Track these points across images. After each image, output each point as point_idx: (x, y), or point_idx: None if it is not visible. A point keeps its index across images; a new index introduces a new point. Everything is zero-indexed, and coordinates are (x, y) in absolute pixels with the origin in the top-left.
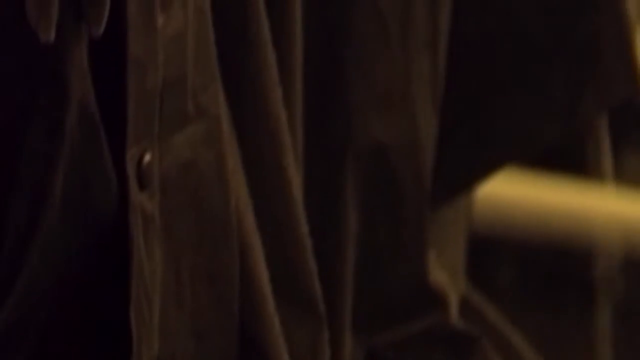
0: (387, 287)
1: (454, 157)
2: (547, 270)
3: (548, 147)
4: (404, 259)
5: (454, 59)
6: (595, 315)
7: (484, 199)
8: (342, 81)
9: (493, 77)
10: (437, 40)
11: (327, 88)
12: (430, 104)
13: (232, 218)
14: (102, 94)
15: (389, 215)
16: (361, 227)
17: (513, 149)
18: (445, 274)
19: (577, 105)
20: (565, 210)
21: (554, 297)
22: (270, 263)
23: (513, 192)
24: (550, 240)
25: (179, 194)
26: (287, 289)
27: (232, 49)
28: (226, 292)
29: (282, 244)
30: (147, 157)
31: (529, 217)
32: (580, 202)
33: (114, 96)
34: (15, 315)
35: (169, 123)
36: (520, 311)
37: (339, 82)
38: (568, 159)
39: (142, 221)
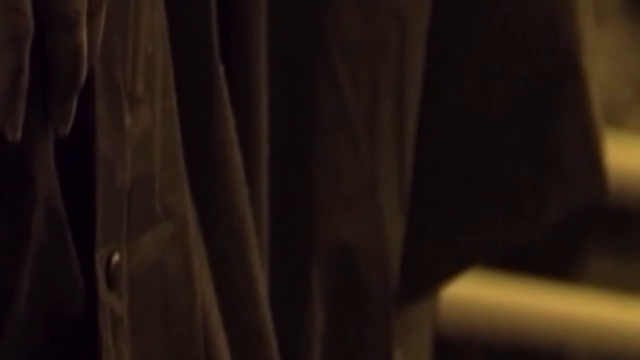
0: None
1: (419, 258)
2: None
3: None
4: (370, 358)
5: (421, 159)
6: None
7: (450, 300)
8: (307, 181)
9: (459, 181)
10: (404, 139)
11: (292, 187)
12: (397, 204)
13: (198, 317)
14: (69, 193)
15: (355, 315)
16: (327, 326)
17: (478, 253)
18: None
19: (543, 209)
20: (532, 312)
21: None
22: None
23: (479, 293)
24: (518, 343)
25: (146, 294)
26: None
27: (199, 149)
28: None
29: (247, 343)
30: (116, 258)
31: (495, 319)
32: (548, 304)
33: (82, 195)
34: None
35: (137, 223)
36: None
37: (304, 182)
38: (536, 260)
39: (111, 322)
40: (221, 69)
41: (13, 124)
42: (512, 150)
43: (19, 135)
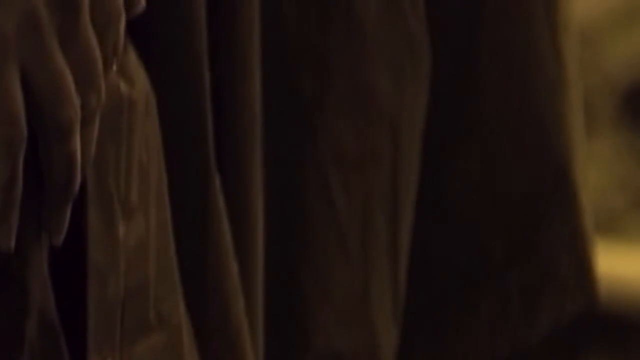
0: None
1: None
2: None
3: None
4: None
5: (414, 266)
6: None
7: None
8: (301, 291)
9: (449, 288)
10: (398, 249)
11: (285, 298)
12: (390, 314)
13: None
14: (63, 301)
15: None
16: None
17: None
18: None
19: (533, 319)
20: None
21: None
22: None
23: None
24: None
25: None
26: None
27: (194, 258)
28: None
29: None
30: None
31: None
32: None
33: (76, 304)
34: None
35: (130, 332)
36: None
37: (298, 292)
38: None
39: None
40: (217, 179)
41: (6, 233)
42: (502, 259)
43: (12, 244)
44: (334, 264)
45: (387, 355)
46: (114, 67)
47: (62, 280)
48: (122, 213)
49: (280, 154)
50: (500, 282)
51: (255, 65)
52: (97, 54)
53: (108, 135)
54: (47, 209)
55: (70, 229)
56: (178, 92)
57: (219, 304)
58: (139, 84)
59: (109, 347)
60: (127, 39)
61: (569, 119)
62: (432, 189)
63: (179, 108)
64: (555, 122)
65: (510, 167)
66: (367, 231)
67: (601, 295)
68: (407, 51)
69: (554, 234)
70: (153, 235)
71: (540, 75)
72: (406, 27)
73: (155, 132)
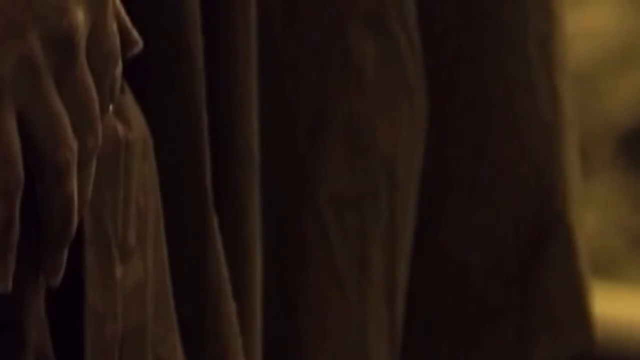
0: None
1: None
2: None
3: None
4: None
5: (411, 309)
6: None
7: None
8: (297, 335)
9: (446, 330)
10: (395, 290)
11: (283, 342)
12: (387, 355)
13: None
14: (60, 343)
15: None
16: None
17: None
18: None
19: None
20: None
21: None
22: None
23: None
24: None
25: None
26: None
27: (191, 300)
28: None
29: None
30: None
31: None
32: None
33: (73, 346)
34: None
35: None
36: None
37: (295, 336)
38: None
39: None
40: (215, 221)
41: (4, 275)
42: (499, 301)
43: (9, 286)
44: (331, 305)
45: None
46: (111, 109)
47: (59, 322)
48: (119, 255)
49: (277, 195)
50: (497, 325)
51: (253, 107)
52: (94, 95)
53: (105, 177)
54: (45, 250)
55: (68, 270)
56: (175, 134)
57: (217, 346)
58: (136, 126)
59: None
60: (123, 81)
61: (565, 161)
62: (428, 230)
63: (177, 150)
64: (551, 165)
65: (506, 210)
66: (364, 272)
67: (598, 337)
68: (405, 94)
69: (550, 276)
70: (150, 277)
71: (536, 116)
72: (404, 70)
73: (153, 174)
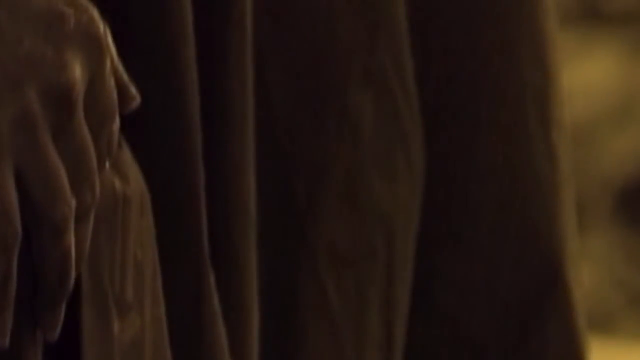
0: None
1: None
2: None
3: None
4: None
5: None
6: None
7: None
8: None
9: None
10: (392, 345)
11: None
12: None
13: None
14: None
15: None
16: None
17: None
18: None
19: None
20: None
21: None
22: None
23: None
24: None
25: None
26: None
27: (188, 357)
28: None
29: None
30: None
31: None
32: None
33: None
34: None
35: None
36: None
37: None
38: None
39: None
40: (212, 278)
41: (1, 330)
42: (494, 358)
43: (6, 340)
44: (327, 358)
45: None
46: (108, 164)
47: None
48: (116, 310)
49: (274, 253)
50: None
51: (249, 164)
52: (92, 150)
53: (103, 232)
54: (42, 305)
55: (65, 325)
56: (172, 189)
57: None
58: (133, 181)
59: None
60: (121, 136)
61: (562, 217)
62: (425, 287)
63: (173, 206)
64: (547, 221)
65: (502, 267)
66: (361, 329)
67: None
68: (402, 151)
69: (547, 332)
70: (148, 333)
71: (533, 173)
72: (400, 124)
73: (150, 229)
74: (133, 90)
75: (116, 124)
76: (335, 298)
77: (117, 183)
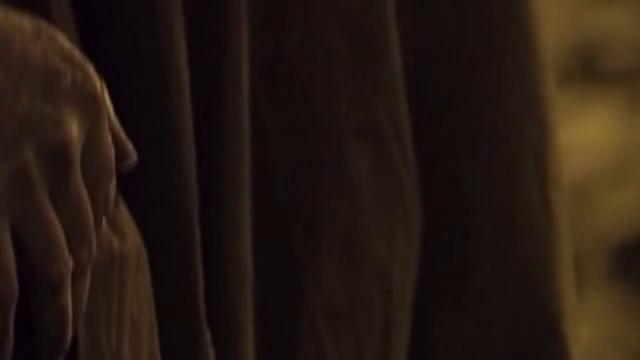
0: None
1: None
2: None
3: None
4: None
5: None
6: None
7: None
8: None
9: None
10: None
11: None
12: None
13: None
14: None
15: None
16: None
17: None
18: None
19: None
20: None
21: None
22: None
23: None
24: None
25: None
26: None
27: None
28: None
29: None
30: None
31: None
32: None
33: None
34: None
35: None
36: None
37: None
38: None
39: None
40: (208, 335)
41: None
42: None
43: None
44: None
45: None
46: (105, 222)
47: None
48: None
49: (271, 306)
50: None
51: (245, 219)
52: (89, 208)
53: (99, 289)
54: None
55: None
56: (168, 247)
57: None
58: (130, 239)
59: None
60: (118, 193)
61: (559, 274)
62: (421, 342)
63: (170, 263)
64: (544, 278)
65: (498, 322)
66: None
67: None
68: (399, 205)
69: None
70: None
71: (530, 227)
72: (398, 180)
73: (147, 286)
74: (130, 147)
75: (113, 180)
76: (332, 351)
77: (114, 240)
